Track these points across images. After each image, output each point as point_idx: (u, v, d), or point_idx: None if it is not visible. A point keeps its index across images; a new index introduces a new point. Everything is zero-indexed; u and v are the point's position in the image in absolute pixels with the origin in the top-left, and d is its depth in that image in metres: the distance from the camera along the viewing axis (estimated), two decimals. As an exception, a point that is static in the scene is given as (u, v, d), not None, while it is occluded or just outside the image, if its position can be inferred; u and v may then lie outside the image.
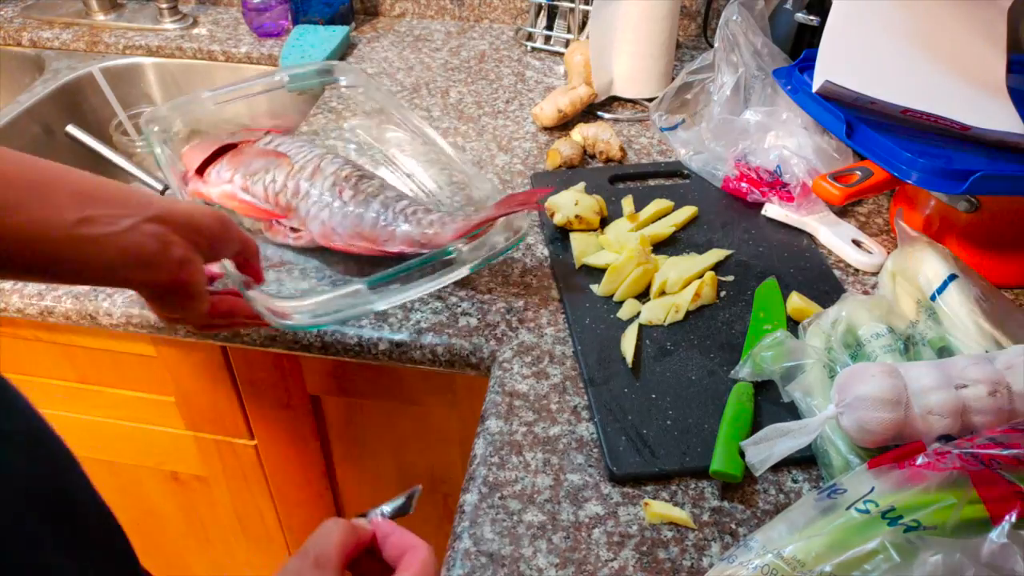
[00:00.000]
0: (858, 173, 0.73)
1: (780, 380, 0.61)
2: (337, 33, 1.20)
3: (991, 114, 0.76)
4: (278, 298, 0.62)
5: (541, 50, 1.21)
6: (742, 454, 0.56)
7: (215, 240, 0.54)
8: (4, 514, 0.30)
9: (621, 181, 0.90)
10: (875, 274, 0.77)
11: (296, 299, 0.62)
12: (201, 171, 0.79)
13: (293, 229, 0.77)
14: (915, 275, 0.68)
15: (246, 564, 1.11)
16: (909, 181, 0.69)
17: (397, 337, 0.70)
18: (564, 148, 0.91)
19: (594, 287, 0.74)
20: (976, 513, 0.45)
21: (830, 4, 0.81)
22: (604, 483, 0.58)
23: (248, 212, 0.78)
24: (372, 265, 0.74)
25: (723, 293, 0.74)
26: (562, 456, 0.60)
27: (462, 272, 0.67)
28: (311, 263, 0.78)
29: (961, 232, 0.76)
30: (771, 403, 0.63)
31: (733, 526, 0.55)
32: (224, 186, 0.78)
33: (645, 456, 0.59)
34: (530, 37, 1.22)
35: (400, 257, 0.72)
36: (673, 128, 0.93)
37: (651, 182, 0.90)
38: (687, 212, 0.83)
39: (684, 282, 0.73)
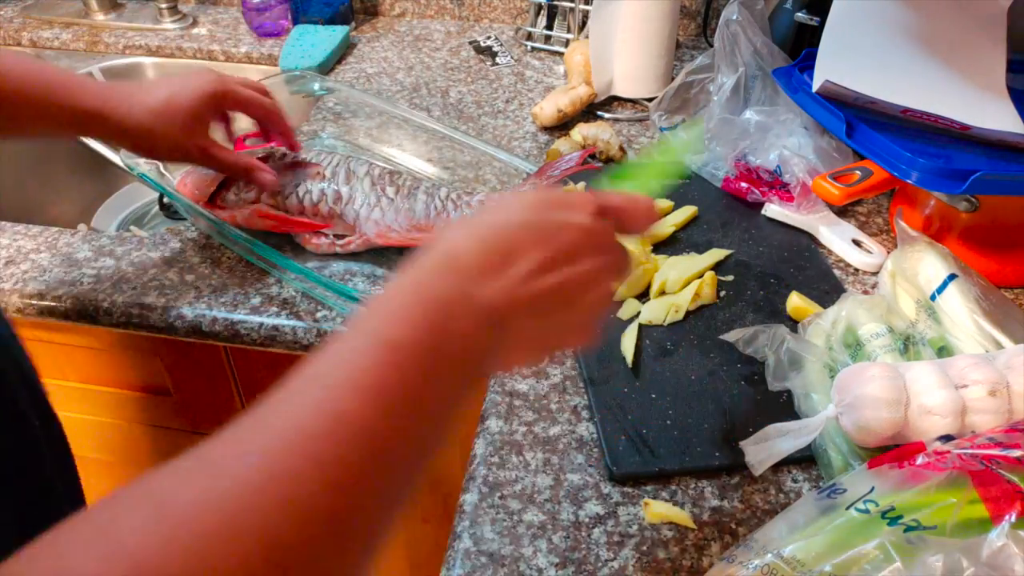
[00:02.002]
0: (858, 173, 0.73)
1: (771, 372, 0.61)
2: (337, 33, 1.20)
3: (991, 114, 0.76)
4: None
5: (541, 50, 1.21)
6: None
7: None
8: None
9: (621, 181, 0.90)
10: (875, 274, 0.77)
11: None
12: (212, 199, 0.77)
13: (338, 236, 0.76)
14: (915, 275, 0.68)
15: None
16: (909, 181, 0.69)
17: (397, 337, 0.70)
18: (564, 148, 0.91)
19: (594, 287, 0.74)
20: (976, 513, 0.45)
21: (830, 4, 0.81)
22: (604, 483, 0.58)
23: (285, 228, 0.76)
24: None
25: (723, 293, 0.74)
26: (562, 456, 0.60)
27: None
28: (367, 267, 0.77)
29: (961, 232, 0.76)
30: (771, 402, 0.63)
31: (733, 526, 0.55)
32: (251, 207, 0.76)
33: (645, 456, 0.59)
34: (530, 37, 1.22)
35: None
36: (673, 128, 0.93)
37: (651, 182, 0.90)
38: (687, 212, 0.83)
39: (684, 282, 0.73)
